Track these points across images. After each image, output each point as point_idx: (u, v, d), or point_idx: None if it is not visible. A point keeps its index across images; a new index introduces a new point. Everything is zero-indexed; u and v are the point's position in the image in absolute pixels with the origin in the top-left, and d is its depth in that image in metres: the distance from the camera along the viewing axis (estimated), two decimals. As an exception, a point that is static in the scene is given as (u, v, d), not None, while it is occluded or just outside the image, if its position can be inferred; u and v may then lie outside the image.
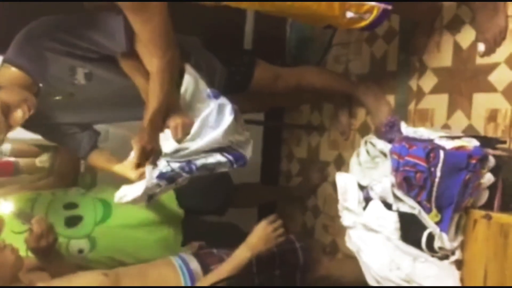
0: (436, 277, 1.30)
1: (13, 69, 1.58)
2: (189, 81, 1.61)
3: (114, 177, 2.21)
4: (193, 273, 1.57)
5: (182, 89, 1.61)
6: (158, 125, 1.60)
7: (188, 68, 1.63)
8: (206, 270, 1.59)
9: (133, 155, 1.67)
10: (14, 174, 2.49)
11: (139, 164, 1.65)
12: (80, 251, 1.95)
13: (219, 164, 1.66)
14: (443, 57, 1.90)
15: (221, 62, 1.83)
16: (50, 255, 1.59)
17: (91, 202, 2.03)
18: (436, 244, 1.28)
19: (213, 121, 1.61)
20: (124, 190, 1.67)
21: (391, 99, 2.11)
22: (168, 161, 1.64)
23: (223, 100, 1.63)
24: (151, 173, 1.63)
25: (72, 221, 1.96)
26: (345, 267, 1.71)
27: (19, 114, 1.50)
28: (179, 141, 1.60)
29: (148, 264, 1.60)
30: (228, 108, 1.61)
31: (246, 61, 1.91)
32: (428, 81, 1.96)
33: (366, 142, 1.49)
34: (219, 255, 1.66)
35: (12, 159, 2.52)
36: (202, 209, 2.27)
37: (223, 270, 1.50)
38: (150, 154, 1.64)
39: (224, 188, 2.32)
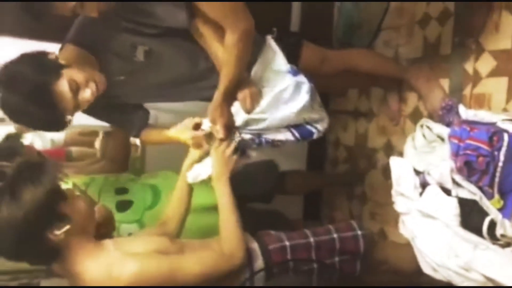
0: (497, 265, 1.24)
1: (76, 48, 1.59)
2: (267, 53, 1.61)
3: (162, 164, 2.24)
4: (251, 252, 1.56)
5: (259, 61, 1.61)
6: (232, 98, 1.57)
7: (269, 40, 1.63)
8: (264, 249, 1.57)
9: (184, 123, 1.67)
10: (66, 161, 2.56)
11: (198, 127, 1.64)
12: (130, 235, 1.99)
13: (287, 141, 1.65)
14: (502, 38, 1.82)
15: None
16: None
17: (141, 187, 2.06)
18: (498, 231, 1.22)
19: (288, 97, 1.59)
20: (197, 169, 1.64)
21: (445, 83, 2.04)
22: (240, 132, 1.63)
23: (301, 78, 1.61)
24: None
25: (123, 206, 1.99)
26: (399, 253, 1.67)
27: (87, 94, 1.49)
28: (248, 112, 1.59)
29: (210, 239, 1.62)
30: (306, 86, 1.59)
31: (293, 42, 1.88)
32: (486, 64, 1.88)
33: (422, 126, 1.44)
34: (276, 235, 1.64)
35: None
36: (249, 196, 2.27)
37: (227, 214, 1.54)
38: (232, 128, 1.61)
39: (271, 175, 2.31)
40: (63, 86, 1.45)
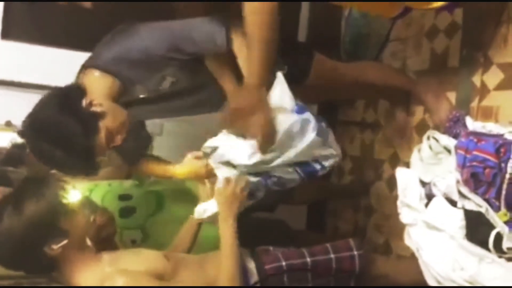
0: (503, 279, 1.23)
1: (101, 75, 1.57)
2: (278, 89, 1.56)
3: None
4: (248, 271, 1.56)
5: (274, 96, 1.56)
6: (252, 101, 1.47)
7: (280, 76, 1.58)
8: (260, 268, 1.57)
9: (189, 156, 1.67)
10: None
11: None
12: (133, 241, 1.98)
13: (292, 180, 1.62)
14: (510, 51, 1.81)
15: (279, 54, 1.80)
16: (107, 245, 1.62)
17: (144, 194, 2.06)
18: (505, 244, 1.21)
19: (296, 133, 1.55)
20: (203, 206, 1.63)
21: (452, 96, 2.03)
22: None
23: (307, 115, 1.56)
24: None
25: (126, 212, 1.99)
26: (401, 267, 1.66)
27: (118, 140, 1.53)
28: (264, 152, 1.53)
29: (207, 255, 1.61)
30: (312, 124, 1.55)
31: (304, 54, 1.88)
32: (493, 77, 1.86)
33: (428, 137, 1.43)
34: (274, 253, 1.63)
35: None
36: (253, 205, 2.25)
37: (228, 258, 1.48)
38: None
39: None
40: (101, 139, 1.49)
